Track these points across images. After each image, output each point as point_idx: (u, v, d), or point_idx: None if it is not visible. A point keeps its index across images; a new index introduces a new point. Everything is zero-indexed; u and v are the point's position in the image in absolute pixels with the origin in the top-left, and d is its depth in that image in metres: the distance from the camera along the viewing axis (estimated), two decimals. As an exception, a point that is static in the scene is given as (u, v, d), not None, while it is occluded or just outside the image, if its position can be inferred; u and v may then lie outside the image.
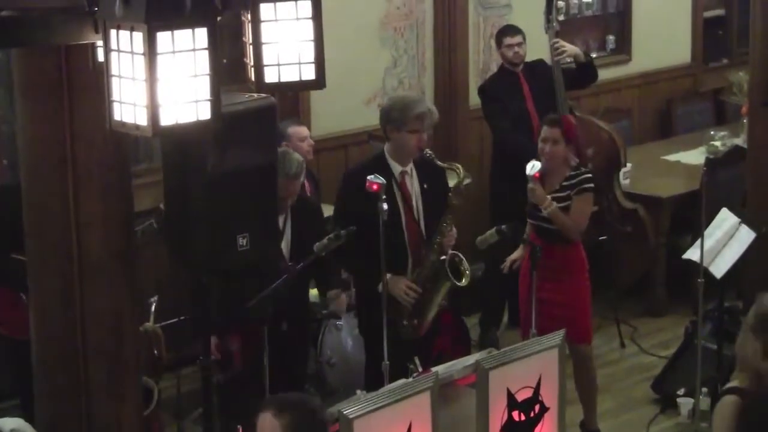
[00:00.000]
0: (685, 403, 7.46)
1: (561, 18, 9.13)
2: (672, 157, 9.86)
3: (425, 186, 6.66)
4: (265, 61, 4.83)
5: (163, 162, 5.46)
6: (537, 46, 8.70)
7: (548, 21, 8.52)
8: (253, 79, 4.88)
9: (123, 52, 4.15)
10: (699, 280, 6.99)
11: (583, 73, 8.62)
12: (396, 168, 6.60)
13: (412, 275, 6.62)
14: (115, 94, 4.21)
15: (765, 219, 7.74)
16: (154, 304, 6.69)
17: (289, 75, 4.86)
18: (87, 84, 4.84)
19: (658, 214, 9.00)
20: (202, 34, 4.18)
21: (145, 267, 6.24)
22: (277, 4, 4.79)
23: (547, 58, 8.61)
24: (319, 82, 4.92)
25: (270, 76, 4.86)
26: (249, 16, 4.81)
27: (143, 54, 4.08)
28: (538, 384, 5.11)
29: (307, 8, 4.81)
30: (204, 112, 4.23)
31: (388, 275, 6.44)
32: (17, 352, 6.46)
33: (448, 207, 6.61)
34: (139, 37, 4.08)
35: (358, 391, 5.85)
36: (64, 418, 5.23)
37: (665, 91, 10.94)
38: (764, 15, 8.15)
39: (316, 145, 8.06)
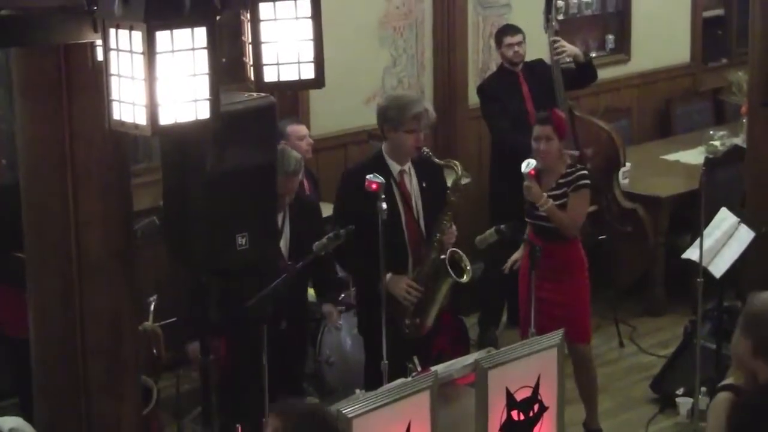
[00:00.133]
0: (684, 403, 7.46)
1: (560, 17, 9.14)
2: (671, 157, 9.86)
3: (424, 185, 6.66)
4: (265, 60, 4.83)
5: (162, 161, 5.46)
6: (536, 46, 8.69)
7: (547, 20, 8.52)
8: (252, 78, 4.88)
9: (122, 51, 4.16)
10: (698, 279, 6.99)
11: (582, 74, 8.62)
12: (394, 167, 6.60)
13: (413, 274, 6.62)
14: (114, 94, 4.22)
15: (764, 218, 7.74)
16: (153, 303, 6.69)
17: (289, 74, 4.86)
18: (86, 83, 4.84)
19: (658, 214, 9.00)
20: (201, 33, 4.18)
21: (144, 266, 6.23)
22: (277, 3, 4.78)
23: (546, 57, 8.61)
24: (318, 82, 4.92)
25: (269, 76, 4.85)
26: (248, 15, 4.81)
27: (142, 53, 4.08)
28: (537, 383, 5.11)
29: (306, 7, 4.81)
30: (203, 112, 4.23)
31: (390, 275, 6.45)
32: (17, 351, 6.46)
33: (446, 204, 6.62)
34: (138, 36, 4.08)
35: (357, 391, 5.86)
36: (63, 417, 5.23)
37: (664, 90, 10.94)
38: (763, 15, 8.15)
39: (316, 144, 8.06)
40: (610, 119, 9.64)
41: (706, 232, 7.04)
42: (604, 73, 9.62)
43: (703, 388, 7.15)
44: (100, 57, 4.35)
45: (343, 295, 7.65)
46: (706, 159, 8.79)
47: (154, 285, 7.27)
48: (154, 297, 6.71)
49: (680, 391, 7.55)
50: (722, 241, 7.24)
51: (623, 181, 9.06)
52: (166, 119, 4.16)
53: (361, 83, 9.00)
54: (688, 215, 8.42)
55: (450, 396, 5.48)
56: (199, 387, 6.18)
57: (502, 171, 8.31)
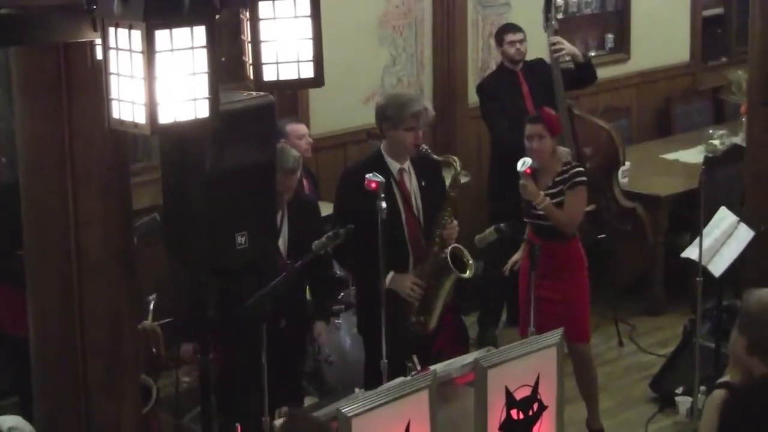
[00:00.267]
0: (684, 402, 7.46)
1: (560, 16, 9.15)
2: (671, 156, 9.86)
3: (423, 183, 6.66)
4: (264, 59, 4.83)
5: (161, 160, 5.45)
6: (536, 45, 8.70)
7: (547, 19, 8.52)
8: (251, 77, 4.88)
9: (121, 50, 4.15)
10: (697, 278, 6.99)
11: (581, 74, 8.61)
12: (394, 166, 6.60)
13: (414, 272, 6.62)
14: (114, 92, 4.21)
15: (763, 217, 7.74)
16: (153, 302, 6.69)
17: (288, 73, 4.86)
18: (85, 82, 4.84)
19: (657, 213, 9.00)
20: (200, 32, 4.17)
21: (144, 266, 6.23)
22: (276, 2, 4.78)
23: (546, 57, 8.61)
24: (317, 81, 4.91)
25: (269, 75, 4.85)
26: (247, 14, 4.81)
27: (142, 52, 4.08)
28: (537, 382, 5.11)
29: (305, 6, 4.81)
30: (202, 111, 4.23)
31: (393, 273, 6.45)
32: (17, 351, 6.45)
33: (446, 199, 6.62)
34: (137, 35, 4.08)
35: (357, 390, 5.85)
36: (63, 417, 5.22)
37: (664, 89, 10.95)
38: (763, 14, 8.14)
39: (315, 143, 8.06)
40: (610, 118, 9.65)
41: (705, 231, 7.05)
42: (603, 72, 9.62)
43: (703, 387, 7.14)
44: (99, 56, 4.35)
45: (342, 294, 7.65)
46: (706, 158, 8.80)
47: (154, 284, 7.27)
48: (154, 296, 6.71)
49: (680, 390, 7.55)
50: (722, 240, 7.24)
51: (623, 180, 9.06)
52: (165, 118, 4.16)
53: (361, 82, 9.00)
54: (688, 214, 8.42)
55: (449, 395, 5.48)
56: (198, 386, 6.17)
57: (502, 170, 8.30)
